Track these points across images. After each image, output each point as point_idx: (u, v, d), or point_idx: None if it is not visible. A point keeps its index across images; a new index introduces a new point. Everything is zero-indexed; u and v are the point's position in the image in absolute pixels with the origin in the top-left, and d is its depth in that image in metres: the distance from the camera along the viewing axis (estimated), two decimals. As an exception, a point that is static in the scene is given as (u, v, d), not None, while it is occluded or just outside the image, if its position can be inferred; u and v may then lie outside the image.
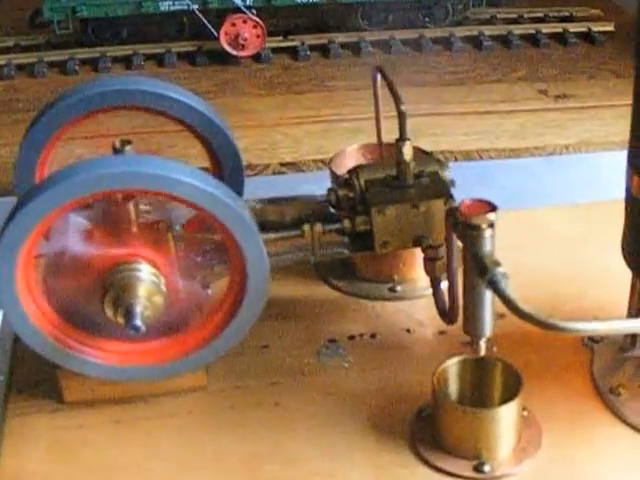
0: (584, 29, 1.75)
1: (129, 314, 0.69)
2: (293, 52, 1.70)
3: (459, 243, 0.71)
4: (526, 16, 1.82)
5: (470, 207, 0.68)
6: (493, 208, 0.68)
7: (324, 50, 1.70)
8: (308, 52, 1.69)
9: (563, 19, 1.81)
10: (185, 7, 1.65)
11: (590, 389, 0.76)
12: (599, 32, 1.74)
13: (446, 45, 1.71)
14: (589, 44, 1.73)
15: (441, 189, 0.81)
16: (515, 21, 1.81)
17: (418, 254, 0.85)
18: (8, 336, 0.82)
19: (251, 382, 0.78)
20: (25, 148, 0.82)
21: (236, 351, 0.76)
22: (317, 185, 0.87)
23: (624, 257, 0.75)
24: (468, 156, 1.26)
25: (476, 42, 1.72)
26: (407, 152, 0.80)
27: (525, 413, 0.71)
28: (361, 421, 0.74)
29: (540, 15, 1.82)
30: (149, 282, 0.71)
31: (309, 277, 0.91)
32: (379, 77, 0.86)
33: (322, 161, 1.23)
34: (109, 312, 0.71)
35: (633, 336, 0.78)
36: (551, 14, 1.82)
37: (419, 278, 0.88)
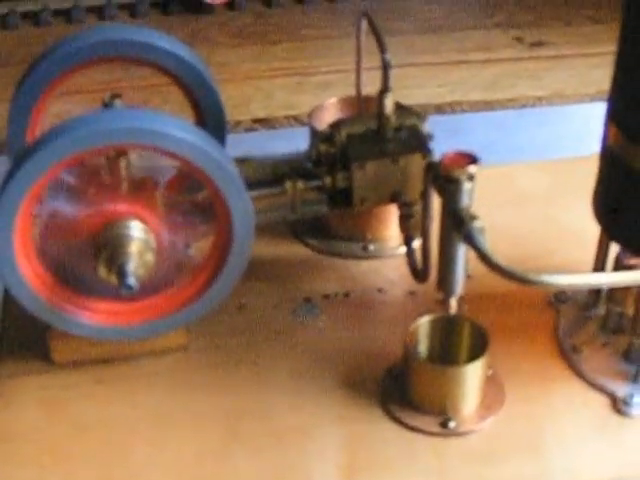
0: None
1: (122, 273, 0.70)
2: (267, -2, 1.69)
3: (435, 200, 0.72)
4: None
5: (452, 160, 0.69)
6: (474, 160, 0.69)
7: (299, -4, 1.69)
8: (282, -2, 1.68)
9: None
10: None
11: (554, 348, 0.78)
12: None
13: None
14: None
15: (420, 143, 0.81)
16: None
17: (391, 213, 0.88)
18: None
19: (230, 341, 0.80)
20: (15, 107, 0.82)
21: (215, 311, 0.78)
22: (289, 142, 0.87)
23: (594, 211, 0.75)
24: (440, 110, 1.26)
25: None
26: (389, 105, 0.80)
27: (490, 372, 0.74)
28: (334, 379, 0.77)
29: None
30: (141, 240, 0.72)
31: (284, 236, 0.92)
32: (364, 24, 0.84)
33: (294, 117, 1.23)
34: (103, 272, 0.72)
35: (596, 295, 0.80)
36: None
37: (391, 237, 0.90)
